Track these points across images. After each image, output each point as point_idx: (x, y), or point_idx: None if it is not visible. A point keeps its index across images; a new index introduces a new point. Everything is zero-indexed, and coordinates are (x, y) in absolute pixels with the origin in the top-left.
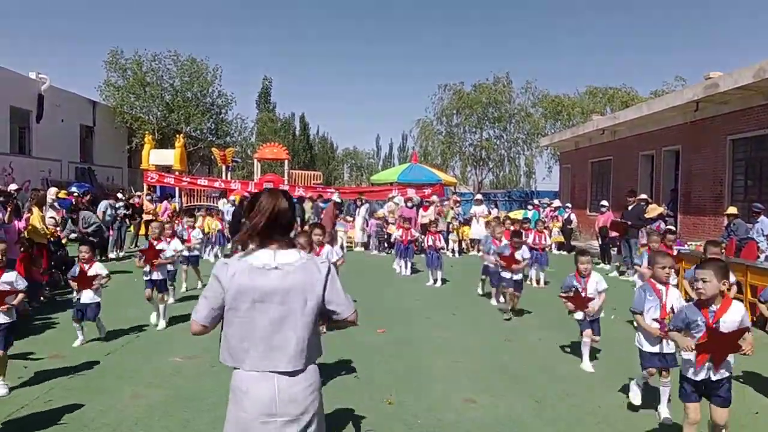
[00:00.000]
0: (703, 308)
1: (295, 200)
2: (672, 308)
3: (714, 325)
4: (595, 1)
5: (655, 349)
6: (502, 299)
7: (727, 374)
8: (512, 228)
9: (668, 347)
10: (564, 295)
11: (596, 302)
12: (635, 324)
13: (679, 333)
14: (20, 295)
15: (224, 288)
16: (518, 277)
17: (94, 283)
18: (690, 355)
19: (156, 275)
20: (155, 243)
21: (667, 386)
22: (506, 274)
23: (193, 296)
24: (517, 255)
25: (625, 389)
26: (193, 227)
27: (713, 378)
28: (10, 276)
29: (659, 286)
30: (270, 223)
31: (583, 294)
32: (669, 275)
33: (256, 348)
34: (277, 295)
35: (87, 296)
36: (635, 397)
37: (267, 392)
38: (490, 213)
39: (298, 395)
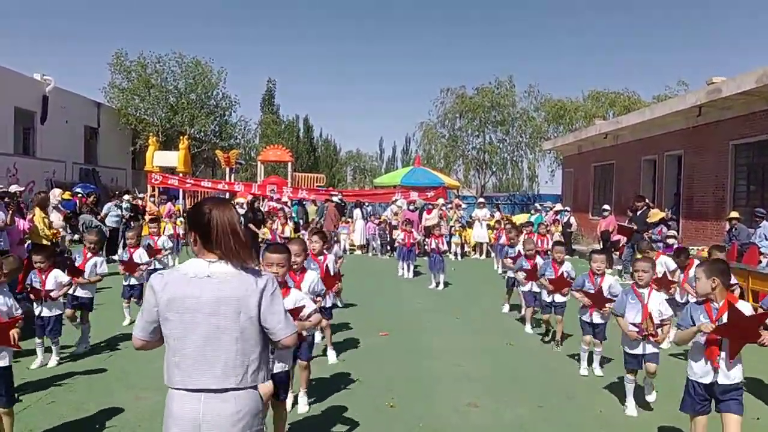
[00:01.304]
0: (706, 306)
1: (296, 202)
2: (651, 312)
3: (717, 322)
4: (596, 3)
5: (637, 351)
6: (529, 326)
7: (737, 380)
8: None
9: (649, 348)
10: (581, 291)
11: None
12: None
13: (685, 331)
14: None
15: (157, 299)
16: (562, 299)
17: (52, 294)
18: (697, 364)
19: (47, 311)
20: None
21: (652, 377)
22: (548, 298)
23: None
24: (561, 270)
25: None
26: (159, 234)
27: (720, 382)
28: None
29: (641, 290)
30: (212, 233)
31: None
32: (642, 278)
33: (185, 363)
34: (207, 305)
35: (47, 308)
36: (631, 409)
37: (191, 413)
38: (492, 216)
39: (224, 420)
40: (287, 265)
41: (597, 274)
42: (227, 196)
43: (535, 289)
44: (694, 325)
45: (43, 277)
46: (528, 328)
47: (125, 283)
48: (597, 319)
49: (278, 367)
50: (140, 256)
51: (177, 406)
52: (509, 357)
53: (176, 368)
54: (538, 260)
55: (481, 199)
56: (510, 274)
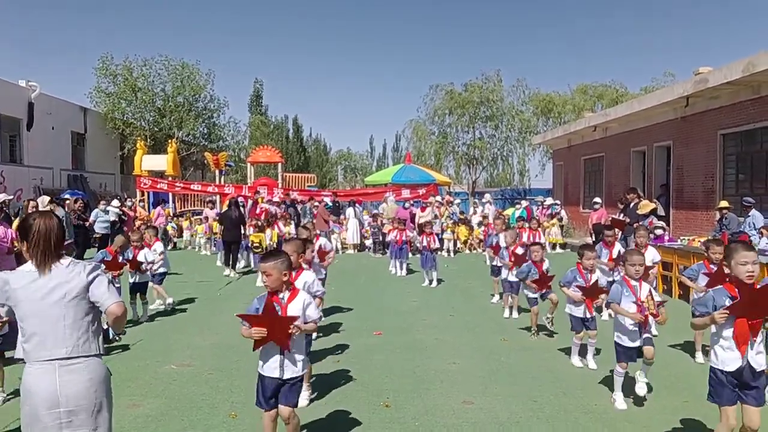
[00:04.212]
0: (733, 291)
1: (289, 203)
2: (641, 302)
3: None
4: None
5: (635, 344)
6: (511, 311)
7: (764, 367)
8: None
9: (644, 334)
10: (574, 286)
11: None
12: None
13: (700, 318)
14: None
15: (6, 291)
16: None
17: None
18: (724, 351)
19: None
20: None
21: (650, 363)
22: (533, 294)
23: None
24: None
25: (624, 389)
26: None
27: (752, 366)
28: None
29: (633, 282)
30: (43, 239)
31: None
32: (639, 272)
33: (33, 339)
34: (40, 293)
35: None
36: (620, 403)
37: (48, 382)
38: (483, 211)
39: (79, 386)
40: (280, 270)
41: (587, 270)
42: (217, 198)
43: (512, 278)
44: (715, 310)
45: None
46: (506, 313)
47: (130, 281)
48: (587, 313)
49: (289, 373)
50: (145, 255)
51: (34, 377)
52: (503, 353)
53: (26, 345)
54: (519, 250)
55: (487, 197)
56: (494, 262)
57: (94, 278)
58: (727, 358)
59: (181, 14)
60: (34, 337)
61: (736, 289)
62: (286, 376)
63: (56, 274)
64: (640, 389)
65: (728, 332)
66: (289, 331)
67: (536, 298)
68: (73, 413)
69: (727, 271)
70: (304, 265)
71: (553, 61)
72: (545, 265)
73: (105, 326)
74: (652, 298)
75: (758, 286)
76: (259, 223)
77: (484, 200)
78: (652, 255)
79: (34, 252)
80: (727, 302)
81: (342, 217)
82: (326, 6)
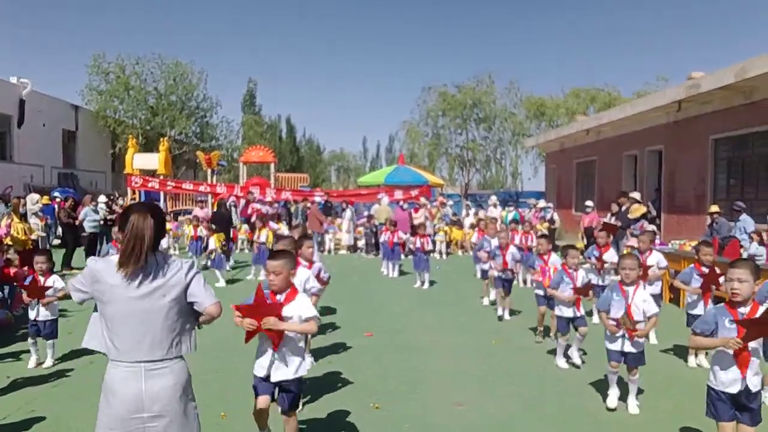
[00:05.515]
0: (733, 310)
1: (282, 203)
2: (633, 311)
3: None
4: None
5: (616, 346)
6: (501, 309)
7: (759, 387)
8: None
9: (629, 346)
10: (562, 287)
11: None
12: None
13: (705, 338)
14: None
15: (92, 282)
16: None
17: (46, 294)
18: (723, 372)
19: (43, 314)
20: (42, 279)
21: (635, 382)
22: (540, 291)
23: None
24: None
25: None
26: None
27: (750, 389)
28: None
29: (626, 287)
30: (136, 237)
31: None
32: (629, 276)
33: (127, 340)
34: (143, 290)
35: (43, 314)
36: (612, 400)
37: (134, 385)
38: (476, 214)
39: (165, 391)
40: (288, 269)
41: (572, 269)
42: (209, 198)
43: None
44: (716, 328)
45: (42, 279)
46: (501, 311)
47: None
48: (576, 312)
49: (279, 375)
50: None
51: (119, 378)
52: (496, 354)
53: (110, 344)
54: (512, 249)
55: (494, 198)
56: (484, 266)
57: (193, 277)
58: (727, 379)
59: (175, 14)
60: (128, 338)
61: (736, 310)
62: (274, 378)
63: (156, 273)
64: (632, 409)
65: (729, 353)
66: (272, 324)
67: (543, 297)
68: (157, 418)
69: (719, 271)
70: (303, 261)
71: (547, 64)
72: (551, 259)
73: None
74: (630, 318)
75: (757, 313)
76: (213, 227)
77: (490, 202)
78: (657, 259)
79: (125, 249)
80: (727, 322)
81: (338, 218)
82: (321, 6)
